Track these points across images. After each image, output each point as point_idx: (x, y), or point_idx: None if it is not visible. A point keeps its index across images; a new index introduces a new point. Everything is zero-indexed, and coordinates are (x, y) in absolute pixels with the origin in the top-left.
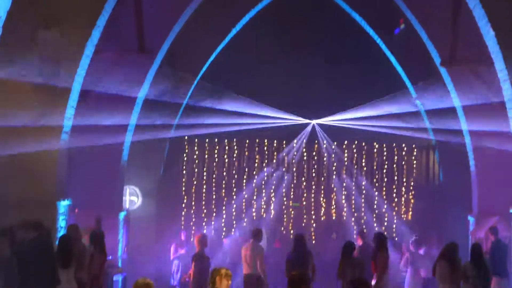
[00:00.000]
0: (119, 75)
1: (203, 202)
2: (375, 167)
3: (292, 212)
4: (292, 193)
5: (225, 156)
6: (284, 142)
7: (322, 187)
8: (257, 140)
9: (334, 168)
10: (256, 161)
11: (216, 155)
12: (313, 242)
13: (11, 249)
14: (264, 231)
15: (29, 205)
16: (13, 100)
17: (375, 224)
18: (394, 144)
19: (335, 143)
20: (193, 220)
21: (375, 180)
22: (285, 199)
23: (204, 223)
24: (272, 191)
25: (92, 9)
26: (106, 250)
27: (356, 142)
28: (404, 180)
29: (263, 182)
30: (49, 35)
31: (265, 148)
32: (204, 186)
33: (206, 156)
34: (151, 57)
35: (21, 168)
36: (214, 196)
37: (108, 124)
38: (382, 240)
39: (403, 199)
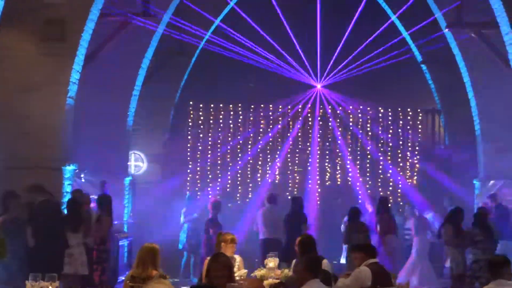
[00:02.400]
0: (125, 39)
1: (208, 168)
2: (380, 132)
3: (297, 177)
4: (297, 158)
5: (230, 121)
6: (289, 107)
7: (327, 151)
8: (262, 105)
9: (339, 132)
10: (261, 125)
11: (221, 120)
12: (318, 203)
13: (20, 212)
14: None
15: (35, 169)
16: (18, 64)
17: (380, 189)
18: (399, 109)
19: (340, 107)
20: (199, 185)
21: (380, 144)
22: (290, 164)
23: (209, 188)
24: (277, 156)
25: None
26: (112, 214)
27: (361, 107)
28: (409, 144)
29: (268, 147)
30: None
31: (270, 113)
32: (209, 151)
33: (211, 120)
34: (155, 21)
35: (26, 133)
36: (219, 161)
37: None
38: (383, 203)
39: (408, 163)
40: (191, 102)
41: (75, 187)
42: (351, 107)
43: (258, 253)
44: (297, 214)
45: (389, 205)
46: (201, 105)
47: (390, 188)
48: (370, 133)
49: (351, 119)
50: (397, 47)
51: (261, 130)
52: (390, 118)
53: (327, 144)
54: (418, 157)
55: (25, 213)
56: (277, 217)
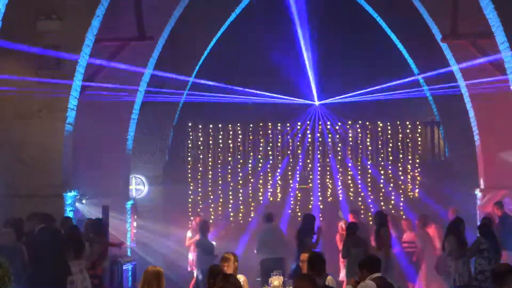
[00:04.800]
0: (121, 64)
1: (209, 188)
2: (380, 146)
3: (299, 195)
4: (298, 176)
5: (230, 141)
6: (288, 124)
7: (328, 168)
8: (261, 124)
9: (339, 148)
10: (261, 144)
11: (220, 140)
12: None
13: (18, 240)
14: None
15: (36, 197)
16: (16, 92)
17: (382, 203)
18: (398, 122)
19: (339, 123)
20: (200, 206)
21: (380, 159)
22: (291, 181)
23: (211, 209)
24: (277, 174)
25: None
26: (106, 238)
27: (360, 121)
28: (410, 157)
29: (268, 166)
30: (49, 26)
31: (269, 131)
32: (210, 172)
33: (211, 141)
34: (151, 44)
35: (27, 160)
36: (220, 182)
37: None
38: (383, 218)
39: (409, 176)
40: (190, 123)
41: (77, 213)
42: (349, 122)
43: (257, 272)
44: (307, 231)
45: (386, 218)
46: (200, 126)
47: (392, 202)
48: (370, 148)
49: (350, 134)
50: (394, 60)
51: (261, 149)
52: (389, 131)
53: (328, 160)
54: (418, 169)
55: (14, 241)
56: (275, 236)
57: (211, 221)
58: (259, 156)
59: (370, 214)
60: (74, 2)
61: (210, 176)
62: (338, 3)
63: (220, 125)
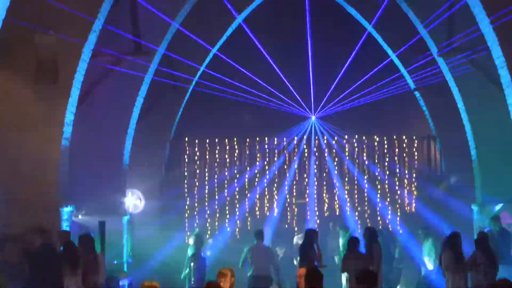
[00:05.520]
0: (118, 78)
1: (206, 203)
2: (376, 160)
3: (296, 209)
4: (294, 190)
5: (226, 155)
6: (285, 139)
7: (324, 182)
8: (257, 138)
9: (335, 163)
10: (258, 159)
11: (217, 154)
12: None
13: (18, 255)
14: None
15: (32, 211)
16: (12, 106)
17: (378, 218)
18: (394, 137)
19: (335, 137)
20: (197, 221)
21: (377, 173)
22: (287, 196)
23: (207, 224)
24: (274, 188)
25: (88, 14)
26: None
27: (356, 136)
28: (406, 171)
29: (265, 180)
30: (46, 40)
31: (266, 146)
32: (207, 186)
33: (207, 155)
34: (148, 59)
35: (23, 174)
36: (216, 196)
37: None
38: (374, 234)
39: (406, 191)
40: (186, 138)
41: (74, 228)
42: (346, 136)
43: None
44: (309, 246)
45: (377, 234)
46: (196, 141)
47: (389, 217)
48: (366, 162)
49: (346, 149)
50: (390, 75)
51: (257, 163)
52: (385, 146)
53: (324, 175)
54: (415, 184)
55: (17, 256)
56: (265, 253)
57: (208, 235)
58: (256, 171)
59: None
60: (72, 16)
61: (206, 191)
62: (334, 18)
63: (216, 140)
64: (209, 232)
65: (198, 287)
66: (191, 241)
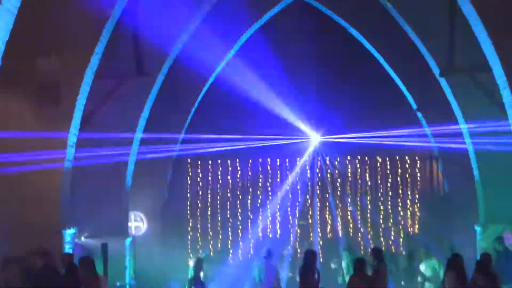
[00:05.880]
0: (120, 100)
1: (209, 224)
2: (379, 181)
3: (298, 230)
4: (297, 211)
5: (229, 176)
6: (287, 160)
7: (327, 203)
8: (260, 159)
9: (338, 184)
10: (260, 180)
11: (219, 176)
12: (321, 260)
13: (21, 278)
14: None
15: (34, 233)
16: (15, 129)
17: (381, 239)
18: (397, 157)
19: (338, 159)
20: (200, 242)
21: (379, 194)
22: (290, 217)
23: (210, 245)
24: (277, 209)
25: (90, 36)
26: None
27: (359, 156)
28: (409, 192)
29: (268, 201)
30: (48, 63)
31: (268, 166)
32: (209, 208)
33: (210, 177)
34: (150, 81)
35: (25, 197)
36: (219, 218)
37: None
38: (381, 254)
39: (408, 212)
40: (189, 160)
41: (76, 250)
42: (348, 157)
43: None
44: (309, 267)
45: (383, 254)
46: (199, 162)
47: (392, 238)
48: (369, 183)
49: (349, 169)
50: (392, 95)
51: (260, 184)
52: (388, 166)
53: (327, 195)
54: (418, 205)
55: (18, 279)
56: (274, 272)
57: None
58: (258, 192)
59: (369, 249)
60: (73, 39)
61: (209, 212)
62: (336, 39)
63: (219, 160)
64: (211, 254)
65: None
66: (191, 263)
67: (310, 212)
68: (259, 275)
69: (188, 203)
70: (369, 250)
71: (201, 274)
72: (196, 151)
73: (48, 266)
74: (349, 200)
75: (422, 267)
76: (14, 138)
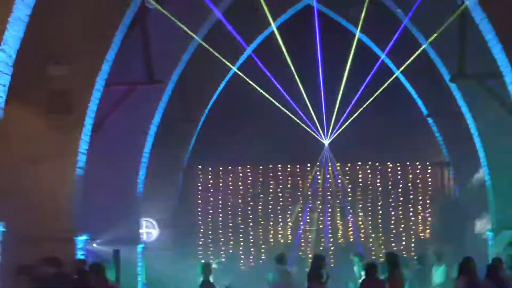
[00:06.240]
0: (131, 107)
1: (220, 231)
2: (390, 187)
3: (309, 236)
4: (308, 217)
5: (239, 183)
6: (298, 166)
7: (338, 209)
8: (270, 166)
9: (349, 189)
10: (271, 186)
11: (230, 183)
12: (332, 265)
13: (33, 286)
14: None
15: (47, 241)
16: (26, 137)
17: (393, 244)
18: (408, 163)
19: (349, 164)
20: (211, 249)
21: (390, 200)
22: (301, 223)
23: (221, 252)
24: (288, 216)
25: (101, 44)
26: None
27: (369, 162)
28: (420, 198)
29: (278, 208)
30: (60, 71)
31: (279, 173)
32: (220, 215)
33: (220, 184)
34: (161, 88)
35: (36, 204)
36: (230, 224)
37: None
38: (396, 260)
39: (420, 217)
40: (199, 166)
41: (88, 257)
42: (359, 163)
43: None
44: (317, 272)
45: (399, 259)
46: (209, 169)
47: (404, 243)
48: (380, 189)
49: (360, 175)
50: (403, 101)
51: (270, 190)
52: (399, 172)
53: (338, 201)
54: (429, 210)
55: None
56: (288, 277)
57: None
58: (269, 198)
59: (381, 255)
60: (84, 46)
61: (220, 218)
62: (345, 43)
63: (229, 168)
64: (223, 260)
65: None
66: (200, 269)
67: (321, 218)
68: (273, 280)
69: (199, 209)
70: (382, 255)
71: (211, 278)
72: (207, 157)
73: (59, 273)
74: (360, 206)
75: (433, 273)
76: (26, 145)
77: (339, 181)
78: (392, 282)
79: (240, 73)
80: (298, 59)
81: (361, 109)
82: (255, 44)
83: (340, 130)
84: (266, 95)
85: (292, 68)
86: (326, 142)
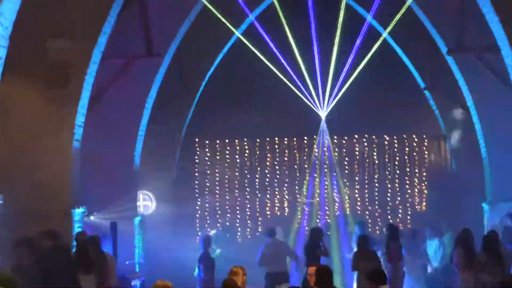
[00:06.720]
0: (128, 80)
1: (217, 204)
2: (386, 160)
3: (306, 209)
4: (305, 190)
5: (237, 156)
6: (295, 139)
7: (335, 182)
8: (267, 139)
9: (345, 162)
10: (268, 159)
11: (227, 156)
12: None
13: (31, 258)
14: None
15: (44, 214)
16: (23, 111)
17: (389, 217)
18: (404, 136)
19: (346, 137)
20: (208, 222)
21: (387, 172)
22: (298, 196)
23: (218, 225)
24: (285, 189)
25: (98, 15)
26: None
27: (366, 135)
28: (416, 171)
29: (275, 180)
30: (57, 44)
31: (276, 146)
32: (217, 188)
33: (218, 157)
34: (158, 61)
35: (34, 177)
36: (227, 197)
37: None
38: (394, 231)
39: (416, 190)
40: (197, 139)
41: (85, 230)
42: (356, 135)
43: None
44: (314, 244)
45: (397, 231)
46: (207, 142)
47: (400, 216)
48: (376, 161)
49: (357, 148)
50: (400, 74)
51: (267, 163)
52: (396, 145)
53: (334, 174)
54: (426, 183)
55: (28, 260)
56: (279, 250)
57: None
58: (266, 171)
59: (377, 227)
60: (81, 19)
61: (217, 191)
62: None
63: (227, 141)
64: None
65: (208, 287)
66: (198, 242)
67: (318, 191)
68: (263, 253)
69: (197, 182)
70: (378, 227)
71: (210, 250)
72: (204, 131)
73: (57, 246)
74: (356, 178)
75: (428, 244)
76: (23, 118)
77: (336, 154)
78: (388, 252)
79: (243, 38)
80: (296, 32)
81: (356, 73)
82: (257, 12)
83: (336, 100)
84: (267, 63)
85: (291, 39)
86: (322, 114)
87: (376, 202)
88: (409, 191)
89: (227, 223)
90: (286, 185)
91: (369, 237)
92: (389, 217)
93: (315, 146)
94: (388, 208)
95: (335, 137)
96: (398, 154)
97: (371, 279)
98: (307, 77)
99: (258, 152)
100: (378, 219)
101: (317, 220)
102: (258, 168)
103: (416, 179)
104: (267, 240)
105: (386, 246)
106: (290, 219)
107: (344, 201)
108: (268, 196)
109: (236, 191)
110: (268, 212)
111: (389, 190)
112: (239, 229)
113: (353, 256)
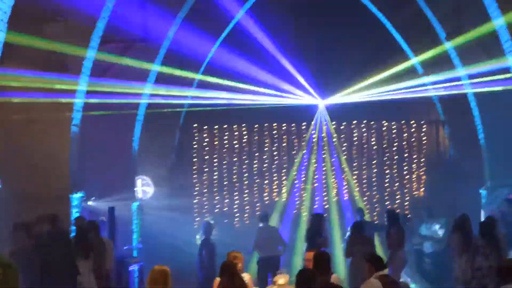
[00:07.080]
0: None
1: (215, 189)
2: (385, 145)
3: (304, 195)
4: (303, 176)
5: (235, 142)
6: (294, 124)
7: (333, 167)
8: (265, 125)
9: (343, 148)
10: (266, 145)
11: (226, 141)
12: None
13: (30, 243)
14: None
15: (43, 199)
16: (22, 93)
17: (387, 202)
18: (403, 121)
19: (344, 123)
20: (206, 207)
21: (385, 158)
22: (296, 181)
23: (216, 210)
24: (283, 174)
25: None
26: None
27: (365, 121)
28: (415, 156)
29: (273, 166)
30: (55, 28)
31: (275, 131)
32: (215, 173)
33: (216, 142)
34: (157, 46)
35: (32, 162)
36: (225, 182)
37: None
38: (394, 217)
39: (414, 175)
40: (195, 125)
41: (83, 214)
42: (354, 121)
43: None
44: (315, 230)
45: (397, 217)
46: (205, 127)
47: (398, 201)
48: (375, 147)
49: (355, 134)
50: (398, 59)
51: (266, 149)
52: (394, 131)
53: (333, 160)
54: (424, 169)
55: (26, 244)
56: (272, 235)
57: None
58: (264, 157)
59: (375, 214)
60: (80, 3)
61: (216, 177)
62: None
63: (225, 126)
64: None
65: (209, 272)
66: (196, 226)
67: (316, 176)
68: (257, 238)
69: (195, 167)
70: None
71: (211, 237)
72: (203, 116)
73: (56, 231)
74: (355, 164)
75: (423, 229)
76: (21, 102)
77: (334, 140)
78: (389, 238)
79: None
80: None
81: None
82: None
83: (335, 88)
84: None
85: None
86: (321, 100)
87: (374, 188)
88: (407, 176)
89: (225, 209)
90: (284, 170)
91: (364, 223)
92: (387, 202)
93: (313, 132)
94: (386, 193)
95: (334, 122)
96: (396, 140)
97: (370, 261)
98: (305, 63)
99: (256, 138)
100: (376, 205)
101: (315, 206)
102: (256, 154)
103: (414, 165)
104: (260, 225)
105: (387, 232)
106: (288, 205)
107: (342, 187)
108: (266, 182)
109: (234, 176)
110: (266, 198)
111: (387, 176)
112: (237, 214)
113: (346, 242)
